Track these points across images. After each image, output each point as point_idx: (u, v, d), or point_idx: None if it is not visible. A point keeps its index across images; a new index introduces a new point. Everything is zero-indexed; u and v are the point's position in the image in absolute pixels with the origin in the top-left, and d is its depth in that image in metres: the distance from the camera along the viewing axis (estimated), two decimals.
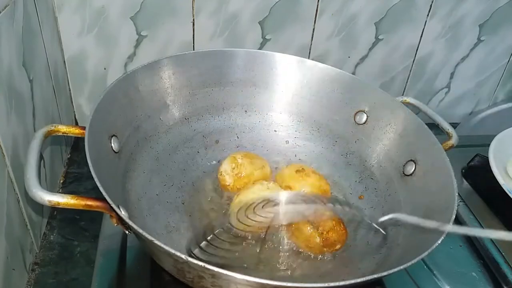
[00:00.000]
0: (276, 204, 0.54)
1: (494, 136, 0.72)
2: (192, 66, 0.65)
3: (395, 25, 0.84)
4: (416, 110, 0.65)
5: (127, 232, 0.48)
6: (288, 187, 0.59)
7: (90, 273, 0.53)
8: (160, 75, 0.62)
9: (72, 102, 0.82)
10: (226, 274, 0.38)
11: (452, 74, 0.94)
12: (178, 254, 0.39)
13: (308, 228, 0.53)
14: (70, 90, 0.81)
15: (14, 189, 0.55)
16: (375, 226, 0.54)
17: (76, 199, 0.43)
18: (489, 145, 0.70)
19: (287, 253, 0.55)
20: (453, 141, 0.60)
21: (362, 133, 0.66)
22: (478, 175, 0.71)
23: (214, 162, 0.66)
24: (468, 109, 1.01)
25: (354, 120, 0.66)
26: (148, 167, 0.60)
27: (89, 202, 0.43)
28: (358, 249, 0.56)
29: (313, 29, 0.82)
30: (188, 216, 0.58)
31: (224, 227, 0.52)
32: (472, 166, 0.73)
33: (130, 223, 0.41)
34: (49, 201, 0.42)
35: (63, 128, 0.51)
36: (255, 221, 0.53)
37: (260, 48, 0.82)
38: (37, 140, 0.47)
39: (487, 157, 0.67)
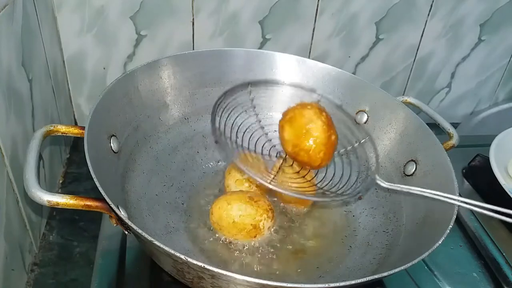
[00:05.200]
0: None
1: (495, 136, 0.72)
2: (191, 65, 0.65)
3: (396, 25, 0.84)
4: (417, 110, 0.64)
5: (126, 232, 0.48)
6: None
7: (90, 273, 0.53)
8: (159, 74, 0.62)
9: (71, 102, 0.82)
10: (225, 275, 0.38)
11: (452, 74, 0.94)
12: (178, 254, 0.38)
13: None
14: (69, 90, 0.81)
15: (13, 190, 0.55)
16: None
17: (75, 199, 0.43)
18: (490, 145, 0.69)
19: (287, 254, 0.55)
20: (454, 141, 0.59)
21: (362, 133, 0.65)
22: (479, 175, 0.71)
23: (214, 162, 0.66)
24: (469, 109, 1.00)
25: (355, 119, 0.66)
26: (148, 167, 0.59)
27: (88, 202, 0.43)
28: (359, 250, 0.56)
29: (313, 29, 0.82)
30: (187, 216, 0.58)
31: None
32: (473, 166, 0.73)
33: (130, 223, 0.41)
34: (48, 201, 0.42)
35: (62, 128, 0.51)
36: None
37: (260, 48, 0.82)
38: (36, 140, 0.47)
39: (488, 157, 0.67)
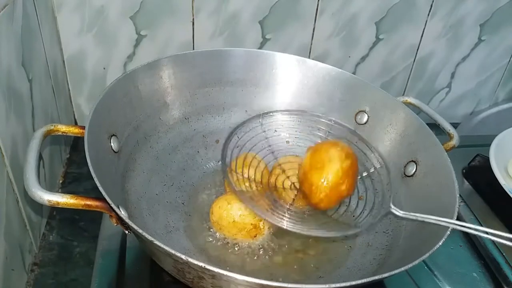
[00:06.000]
0: None
1: (495, 136, 0.72)
2: (192, 65, 0.65)
3: (396, 25, 0.84)
4: (417, 110, 0.64)
5: (126, 232, 0.48)
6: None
7: (90, 273, 0.53)
8: (160, 74, 0.62)
9: (71, 102, 0.82)
10: (226, 275, 0.38)
11: (452, 74, 0.94)
12: (178, 254, 0.38)
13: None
14: (69, 89, 0.81)
15: (13, 189, 0.55)
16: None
17: (76, 199, 0.43)
18: (490, 145, 0.69)
19: (287, 254, 0.55)
20: (454, 141, 0.59)
21: (363, 133, 0.65)
22: (479, 175, 0.71)
23: (214, 162, 0.65)
24: (469, 109, 1.00)
25: (355, 120, 0.66)
26: (148, 167, 0.59)
27: (89, 202, 0.43)
28: (359, 250, 0.56)
29: (313, 29, 0.82)
30: (188, 216, 0.58)
31: None
32: (473, 166, 0.73)
33: (130, 223, 0.41)
34: (49, 201, 0.42)
35: (62, 128, 0.51)
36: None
37: (260, 48, 0.82)
38: (36, 140, 0.47)
39: (488, 157, 0.67)
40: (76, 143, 0.83)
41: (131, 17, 0.75)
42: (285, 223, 0.52)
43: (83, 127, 0.49)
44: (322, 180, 0.52)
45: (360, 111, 0.66)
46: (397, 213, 0.52)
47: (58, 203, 0.42)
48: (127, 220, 0.41)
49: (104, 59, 0.78)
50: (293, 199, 0.57)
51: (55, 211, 0.69)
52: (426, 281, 0.56)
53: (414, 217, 0.51)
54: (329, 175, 0.51)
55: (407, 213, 0.52)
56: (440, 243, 0.44)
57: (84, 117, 0.84)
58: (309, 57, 0.82)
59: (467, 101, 0.99)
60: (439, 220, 0.48)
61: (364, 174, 0.60)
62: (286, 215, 0.54)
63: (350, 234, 0.56)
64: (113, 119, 0.55)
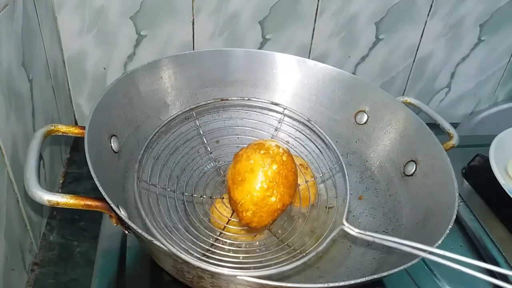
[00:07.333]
0: None
1: (495, 136, 0.72)
2: (192, 66, 0.65)
3: (396, 25, 0.84)
4: (417, 110, 0.64)
5: (126, 232, 0.48)
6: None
7: (90, 273, 0.53)
8: (160, 75, 0.62)
9: (71, 102, 0.82)
10: (225, 274, 0.38)
11: (452, 74, 0.94)
12: (177, 254, 0.39)
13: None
14: (69, 90, 0.81)
15: (14, 189, 0.55)
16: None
17: (76, 199, 0.43)
18: (489, 145, 0.70)
19: (287, 254, 0.55)
20: (454, 141, 0.59)
21: (362, 133, 0.66)
22: (478, 175, 0.71)
23: (215, 162, 0.66)
24: (468, 109, 1.00)
25: (355, 120, 0.66)
26: (148, 167, 0.59)
27: (89, 202, 0.43)
28: (359, 250, 0.56)
29: (313, 29, 0.82)
30: (188, 215, 0.58)
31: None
32: (473, 166, 0.73)
33: (130, 223, 0.41)
34: (49, 201, 0.42)
35: (62, 128, 0.51)
36: None
37: (260, 48, 0.82)
38: (36, 140, 0.47)
39: (488, 157, 0.67)
40: (76, 143, 0.83)
41: (131, 17, 0.75)
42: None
43: (83, 127, 0.49)
44: (247, 196, 0.44)
45: (360, 111, 0.66)
46: (350, 231, 0.45)
47: (58, 203, 0.42)
48: (127, 220, 0.41)
49: (104, 59, 0.78)
50: (228, 220, 0.50)
51: (55, 211, 0.69)
52: (426, 281, 0.56)
53: (371, 238, 0.43)
54: (251, 190, 0.44)
55: (362, 232, 0.44)
56: (440, 242, 0.44)
57: (84, 117, 0.84)
58: (309, 57, 0.82)
59: (467, 101, 0.99)
60: (396, 243, 0.41)
61: (319, 177, 0.56)
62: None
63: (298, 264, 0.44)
64: (113, 119, 0.55)
